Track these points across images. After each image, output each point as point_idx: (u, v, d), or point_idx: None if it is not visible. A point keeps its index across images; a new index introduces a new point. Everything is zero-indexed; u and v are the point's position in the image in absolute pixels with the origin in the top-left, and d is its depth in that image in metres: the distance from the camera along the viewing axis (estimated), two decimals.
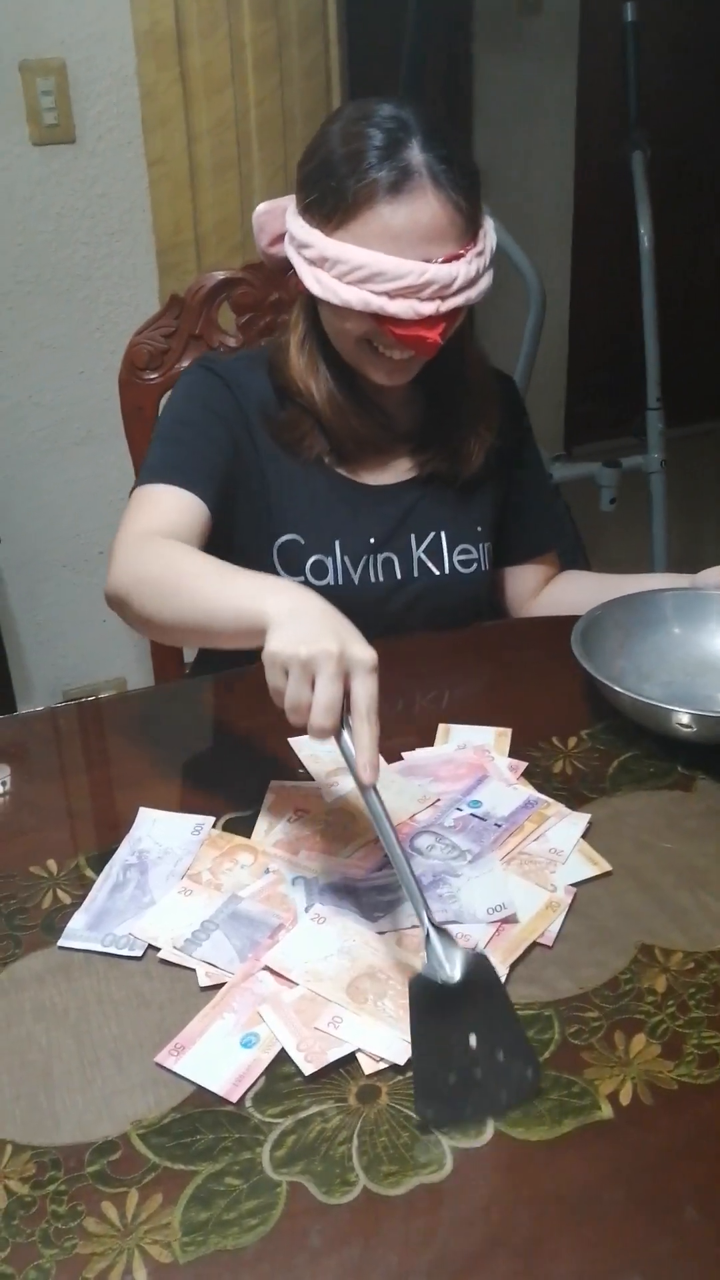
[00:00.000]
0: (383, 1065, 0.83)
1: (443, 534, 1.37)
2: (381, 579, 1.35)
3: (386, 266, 1.13)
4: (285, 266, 1.27)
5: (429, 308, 1.15)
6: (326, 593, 1.28)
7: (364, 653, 0.89)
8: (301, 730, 0.89)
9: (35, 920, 0.97)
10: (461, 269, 1.16)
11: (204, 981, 0.89)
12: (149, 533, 1.16)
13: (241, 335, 1.57)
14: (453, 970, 0.82)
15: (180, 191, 2.29)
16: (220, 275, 1.56)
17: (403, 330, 1.17)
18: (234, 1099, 0.81)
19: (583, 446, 3.92)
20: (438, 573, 1.37)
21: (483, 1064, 0.81)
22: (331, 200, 1.16)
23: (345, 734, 0.89)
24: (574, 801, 1.08)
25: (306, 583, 1.32)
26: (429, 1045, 0.81)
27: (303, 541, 1.33)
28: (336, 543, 1.33)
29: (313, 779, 1.11)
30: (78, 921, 0.95)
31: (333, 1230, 0.72)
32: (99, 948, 0.93)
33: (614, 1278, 0.70)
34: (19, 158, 2.19)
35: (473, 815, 1.06)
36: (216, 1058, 0.83)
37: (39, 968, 0.92)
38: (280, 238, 1.27)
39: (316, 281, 1.19)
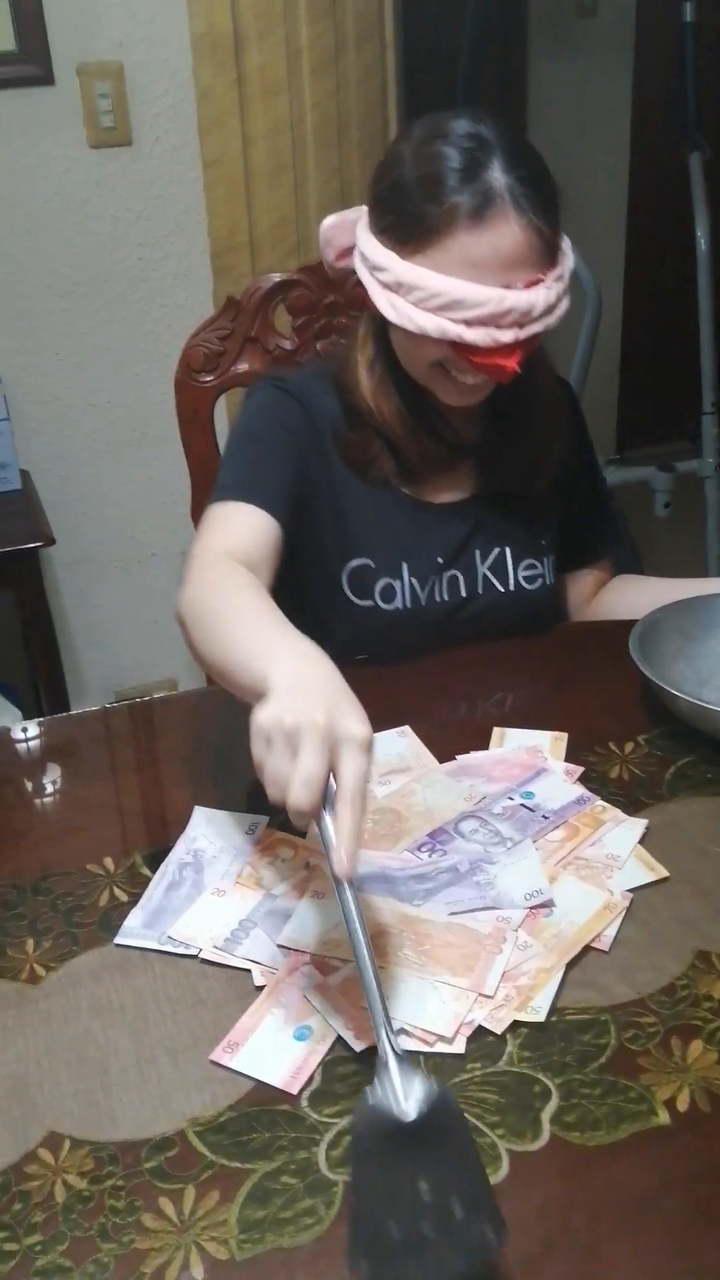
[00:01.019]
0: (430, 1046, 0.83)
1: (508, 550, 1.36)
2: (446, 598, 1.34)
3: (466, 294, 1.10)
4: (351, 278, 1.26)
5: (508, 335, 1.12)
6: (395, 617, 1.30)
7: (357, 728, 0.80)
8: (281, 808, 0.80)
9: (92, 917, 0.97)
10: (541, 295, 1.12)
11: (259, 980, 0.90)
12: (222, 552, 1.12)
13: (297, 338, 1.57)
14: (408, 1104, 0.71)
15: (235, 194, 2.30)
16: (276, 277, 1.57)
17: (480, 358, 1.14)
18: (294, 1091, 0.81)
19: (635, 450, 3.90)
20: (502, 589, 1.35)
21: (434, 1219, 0.67)
22: (409, 224, 1.12)
23: (326, 816, 0.79)
24: (631, 807, 1.07)
25: (376, 608, 1.31)
26: (371, 1190, 0.68)
27: (373, 566, 1.31)
28: (404, 565, 1.31)
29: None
30: (134, 919, 0.96)
31: None
32: (155, 945, 0.94)
33: None
34: (76, 160, 2.22)
35: (523, 805, 1.06)
36: (271, 1052, 0.84)
37: (96, 965, 0.93)
38: (347, 252, 1.25)
39: (391, 307, 1.15)
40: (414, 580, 1.31)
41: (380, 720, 0.91)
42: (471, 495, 1.35)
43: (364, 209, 1.22)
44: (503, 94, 3.52)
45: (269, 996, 0.88)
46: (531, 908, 0.95)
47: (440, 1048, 0.84)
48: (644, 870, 1.00)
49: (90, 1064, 0.84)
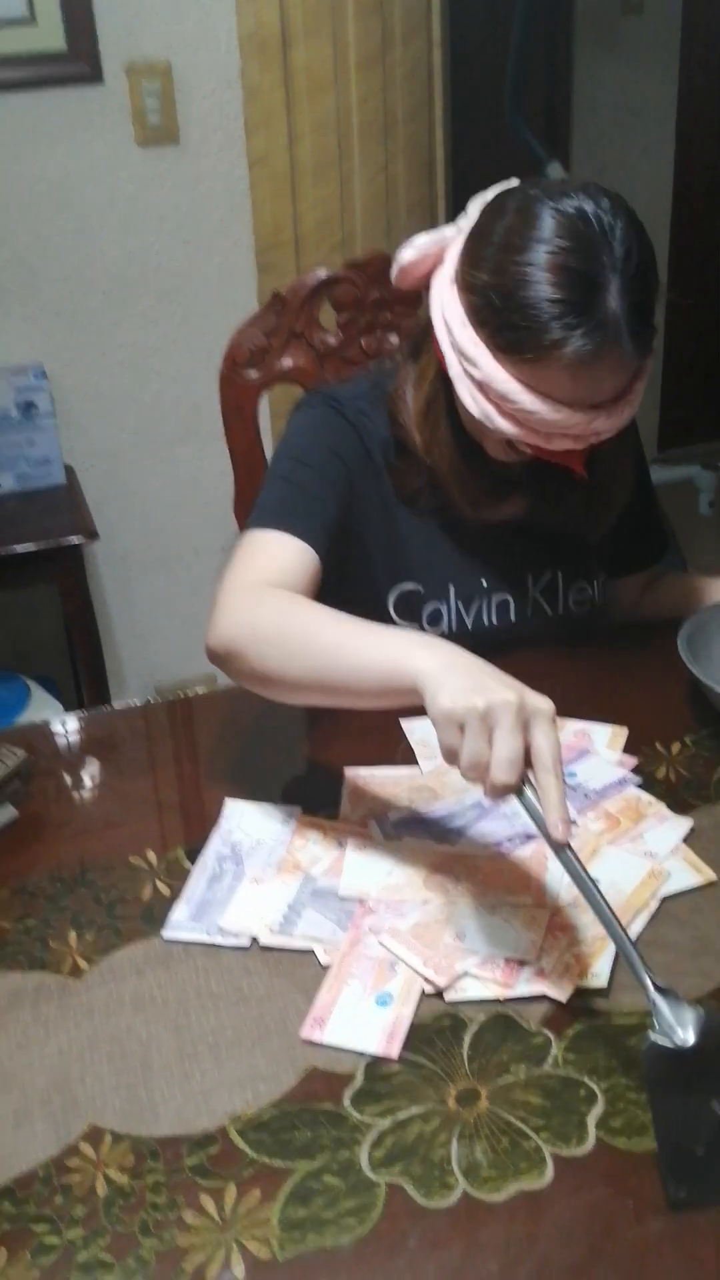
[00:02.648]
0: (512, 986, 0.87)
1: (559, 573, 1.31)
2: (495, 621, 1.30)
3: (558, 419, 1.04)
4: (418, 289, 1.19)
5: (583, 444, 1.09)
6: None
7: (542, 702, 0.84)
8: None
9: (135, 910, 0.97)
10: (626, 412, 1.07)
11: (324, 959, 0.90)
12: (260, 583, 1.07)
13: (342, 334, 1.57)
14: (686, 1033, 0.76)
15: (281, 191, 2.30)
16: (322, 273, 1.56)
17: (548, 458, 1.11)
18: (394, 1055, 0.82)
19: (678, 449, 3.86)
20: (551, 613, 1.33)
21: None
22: (508, 337, 1.03)
23: (528, 791, 0.83)
24: (677, 808, 1.06)
25: (423, 630, 1.27)
26: (672, 1117, 0.76)
27: (421, 591, 1.27)
28: (451, 587, 1.28)
29: (399, 767, 1.12)
30: (180, 913, 0.96)
31: (432, 1234, 0.72)
32: (205, 938, 0.93)
33: None
34: (124, 158, 2.22)
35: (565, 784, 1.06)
36: (359, 1021, 0.85)
37: (139, 958, 0.92)
38: (422, 280, 1.16)
39: (473, 400, 1.09)
40: (460, 604, 1.28)
41: None
42: (525, 515, 1.28)
43: (447, 240, 1.14)
44: (548, 93, 3.50)
45: (341, 969, 0.89)
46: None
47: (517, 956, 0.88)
48: (691, 873, 0.98)
49: (132, 1058, 0.84)
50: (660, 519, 1.47)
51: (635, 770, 1.11)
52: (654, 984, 0.78)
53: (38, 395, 2.17)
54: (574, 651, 1.35)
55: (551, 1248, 0.71)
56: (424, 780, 1.10)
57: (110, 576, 2.54)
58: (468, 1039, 0.84)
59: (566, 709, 1.20)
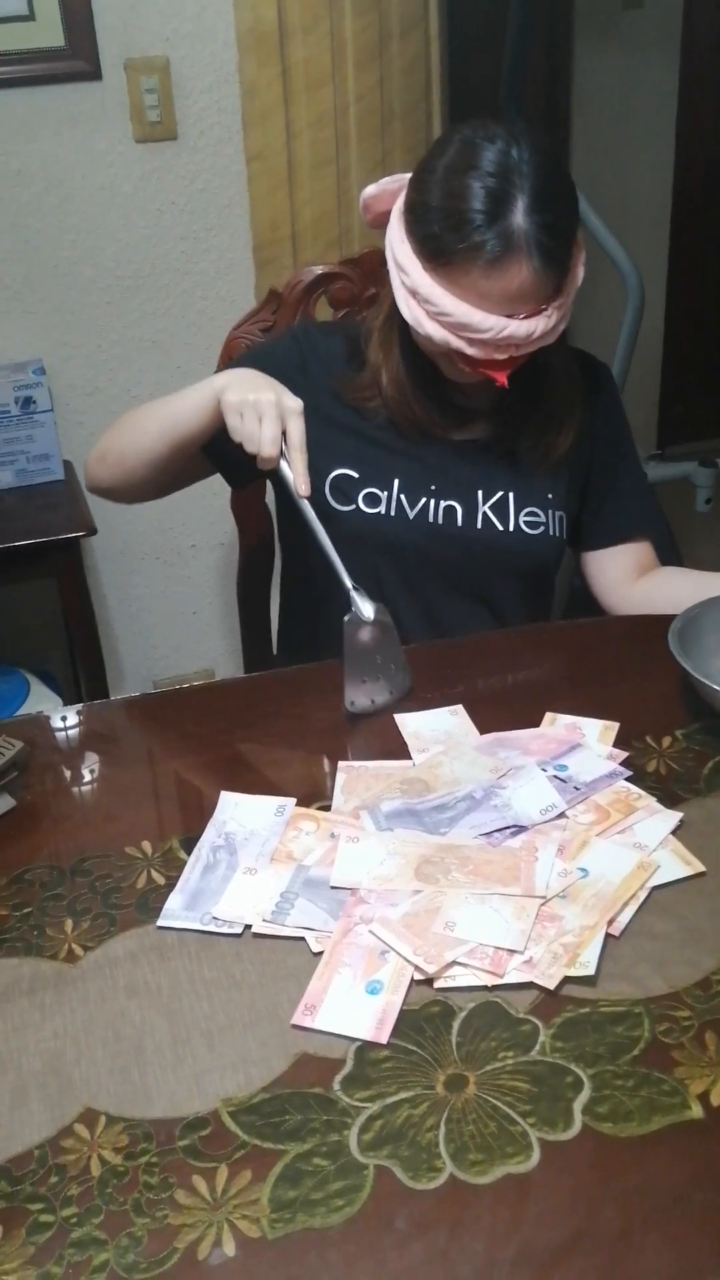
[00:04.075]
0: (502, 972, 0.88)
1: (510, 495, 1.40)
2: (441, 522, 1.38)
3: (472, 320, 1.19)
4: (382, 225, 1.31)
5: (503, 355, 1.23)
6: (379, 522, 1.38)
7: (294, 401, 1.18)
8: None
9: (130, 899, 0.98)
10: (540, 323, 1.22)
11: (315, 947, 0.92)
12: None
13: None
14: (369, 611, 1.21)
15: (278, 187, 2.30)
16: (318, 270, 1.57)
17: (475, 367, 1.25)
18: (383, 1040, 0.84)
19: (677, 446, 3.87)
20: (501, 528, 1.39)
21: (384, 670, 1.22)
22: (432, 246, 1.20)
23: (283, 462, 1.18)
24: (668, 801, 1.07)
25: (357, 510, 1.37)
26: (355, 661, 1.20)
27: (355, 475, 1.37)
28: (396, 481, 1.37)
29: (391, 760, 1.13)
30: (174, 902, 0.97)
31: (419, 1215, 0.73)
32: (198, 926, 0.95)
33: (701, 1278, 0.70)
34: (122, 155, 2.23)
35: (556, 776, 1.09)
36: (349, 1008, 0.86)
37: (133, 946, 0.94)
38: (383, 217, 1.30)
39: (407, 307, 1.25)
40: (403, 496, 1.37)
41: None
42: (482, 439, 1.40)
43: (405, 182, 1.28)
44: (548, 86, 3.50)
45: (332, 957, 0.90)
46: (547, 821, 1.03)
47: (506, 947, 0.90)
48: (680, 864, 1.00)
49: (126, 1043, 0.85)
50: (645, 498, 1.51)
51: (626, 764, 1.12)
52: (350, 582, 1.21)
53: (36, 391, 2.18)
54: (566, 644, 1.37)
55: (536, 1230, 0.72)
56: (415, 773, 1.11)
57: (108, 571, 2.55)
58: (456, 1025, 0.85)
59: (558, 701, 1.22)
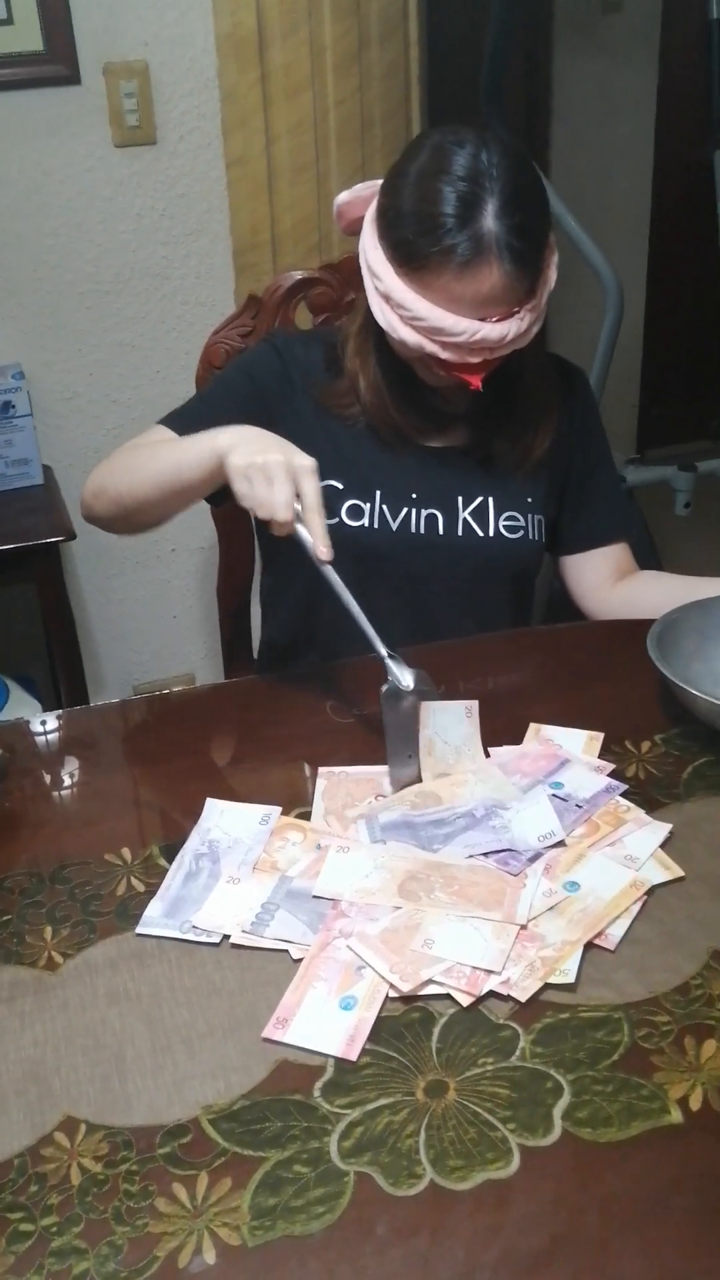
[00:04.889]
0: (479, 991, 0.87)
1: (490, 499, 1.40)
2: (423, 531, 1.38)
3: (445, 324, 1.20)
4: (356, 231, 1.32)
5: (476, 358, 1.23)
6: (362, 535, 1.38)
7: (305, 459, 1.10)
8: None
9: (110, 907, 0.98)
10: (513, 326, 1.22)
11: (296, 954, 0.92)
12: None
13: None
14: (408, 680, 1.10)
15: (258, 192, 2.30)
16: (298, 275, 1.57)
17: (449, 371, 1.25)
18: (353, 1057, 0.83)
19: (656, 450, 3.88)
20: (482, 534, 1.40)
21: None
22: (404, 249, 1.20)
23: (299, 526, 1.10)
24: (647, 806, 1.07)
25: (341, 524, 1.37)
26: (399, 735, 1.10)
27: (340, 487, 1.37)
28: (378, 492, 1.37)
29: (372, 766, 1.13)
30: (154, 909, 0.97)
31: (399, 1221, 0.73)
32: (177, 934, 0.95)
33: None
34: (101, 159, 2.23)
35: (554, 796, 1.08)
36: (321, 1024, 0.86)
37: (113, 953, 0.94)
38: (357, 223, 1.31)
39: (380, 311, 1.26)
40: (385, 506, 1.37)
41: None
42: (460, 445, 1.40)
43: (378, 187, 1.28)
44: (527, 90, 3.51)
45: (307, 972, 0.90)
46: (545, 848, 1.01)
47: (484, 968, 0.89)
48: (660, 869, 1.00)
49: (106, 1050, 0.85)
50: (622, 502, 1.53)
51: (608, 773, 1.12)
52: (385, 650, 1.11)
53: (15, 396, 2.18)
54: (547, 649, 1.37)
55: (517, 1236, 0.72)
56: (433, 787, 1.10)
57: (88, 576, 2.54)
58: (436, 1032, 0.85)
59: (537, 707, 1.22)
